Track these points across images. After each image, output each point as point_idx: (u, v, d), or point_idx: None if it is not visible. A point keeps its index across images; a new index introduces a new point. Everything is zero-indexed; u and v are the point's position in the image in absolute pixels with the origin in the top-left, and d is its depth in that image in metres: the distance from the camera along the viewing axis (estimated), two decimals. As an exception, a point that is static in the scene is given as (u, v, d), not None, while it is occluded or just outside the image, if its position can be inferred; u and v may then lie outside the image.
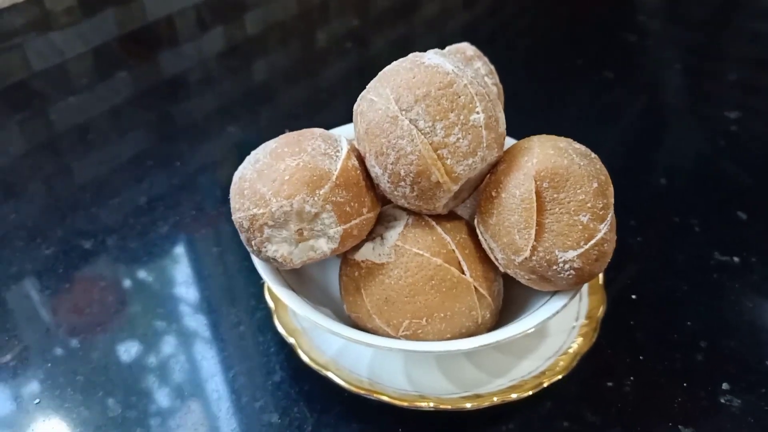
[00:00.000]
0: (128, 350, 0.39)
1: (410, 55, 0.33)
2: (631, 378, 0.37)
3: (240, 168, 0.34)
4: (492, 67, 0.39)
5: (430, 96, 0.31)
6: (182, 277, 0.45)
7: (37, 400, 0.36)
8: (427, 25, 0.86)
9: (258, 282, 0.43)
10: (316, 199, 0.31)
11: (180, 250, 0.47)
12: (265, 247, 0.32)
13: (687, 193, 0.52)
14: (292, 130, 0.63)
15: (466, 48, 0.38)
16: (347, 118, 0.63)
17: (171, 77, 0.72)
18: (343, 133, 0.41)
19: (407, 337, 0.33)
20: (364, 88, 0.34)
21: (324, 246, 0.32)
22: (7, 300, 0.42)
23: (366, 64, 0.76)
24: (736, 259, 0.45)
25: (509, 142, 0.39)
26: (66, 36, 0.76)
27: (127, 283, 0.44)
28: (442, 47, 0.39)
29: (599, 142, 0.58)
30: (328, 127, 0.59)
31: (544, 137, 0.34)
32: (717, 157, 0.57)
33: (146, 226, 0.49)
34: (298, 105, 0.67)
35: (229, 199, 0.34)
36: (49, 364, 0.38)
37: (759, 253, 0.45)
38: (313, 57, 0.78)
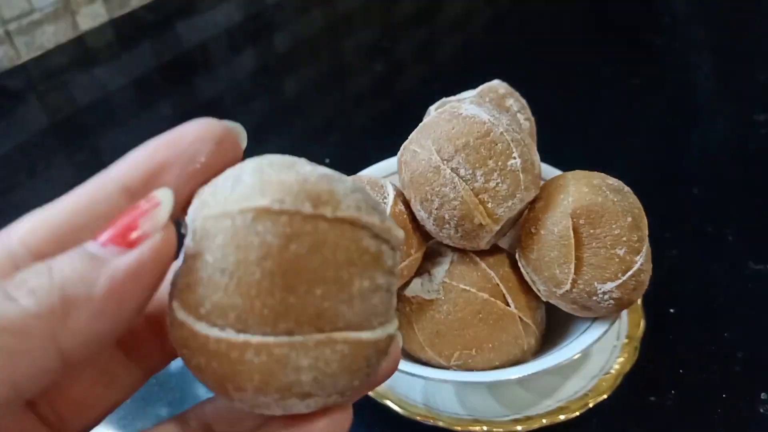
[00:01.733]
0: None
1: (448, 107, 0.35)
2: (673, 392, 0.39)
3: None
4: (524, 102, 0.41)
5: (469, 146, 0.33)
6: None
7: None
8: (450, 28, 0.87)
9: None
10: (368, 246, 0.34)
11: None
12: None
13: (719, 202, 0.53)
14: (324, 143, 0.66)
15: (498, 86, 0.40)
16: (376, 127, 0.66)
17: (208, 100, 0.75)
18: (379, 170, 0.44)
19: (458, 367, 0.36)
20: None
21: (377, 287, 0.35)
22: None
23: (392, 70, 0.78)
24: (770, 267, 0.46)
25: (545, 167, 0.41)
26: (107, 70, 0.79)
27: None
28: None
29: (631, 153, 0.60)
30: (360, 138, 0.62)
31: (577, 174, 0.36)
32: (747, 162, 0.57)
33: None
34: (329, 116, 0.70)
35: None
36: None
37: (793, 260, 0.47)
38: (341, 68, 0.80)
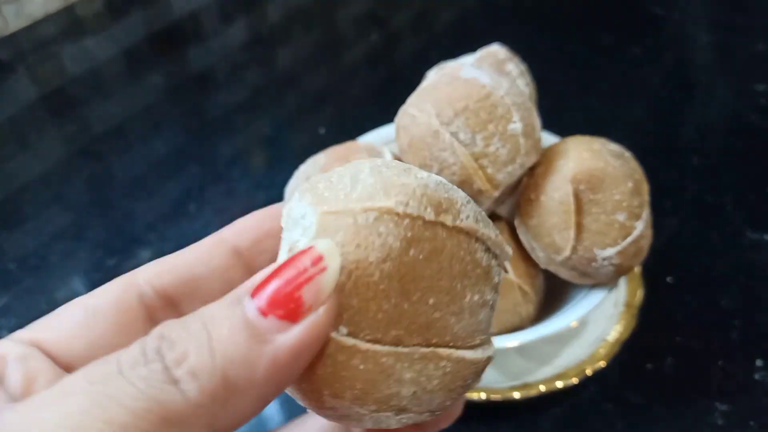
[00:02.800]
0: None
1: (447, 69, 0.35)
2: (670, 359, 0.39)
3: (291, 184, 0.36)
4: (524, 67, 0.40)
5: (468, 109, 0.32)
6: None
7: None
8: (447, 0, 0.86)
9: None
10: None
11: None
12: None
13: (718, 171, 0.53)
14: (319, 114, 0.65)
15: (498, 51, 0.40)
16: (372, 97, 0.65)
17: (199, 71, 0.73)
18: (377, 137, 0.43)
19: (457, 334, 0.35)
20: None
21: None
22: (58, 299, 0.45)
23: (388, 40, 0.77)
24: (767, 236, 0.46)
25: (544, 135, 0.40)
26: (97, 40, 0.78)
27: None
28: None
29: (631, 122, 0.59)
30: (355, 107, 0.61)
31: (578, 139, 0.35)
32: (746, 132, 0.57)
33: (181, 215, 0.52)
34: (324, 87, 0.69)
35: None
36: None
37: (791, 229, 0.47)
38: (336, 38, 0.79)
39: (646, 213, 0.33)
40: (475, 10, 0.82)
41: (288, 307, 0.13)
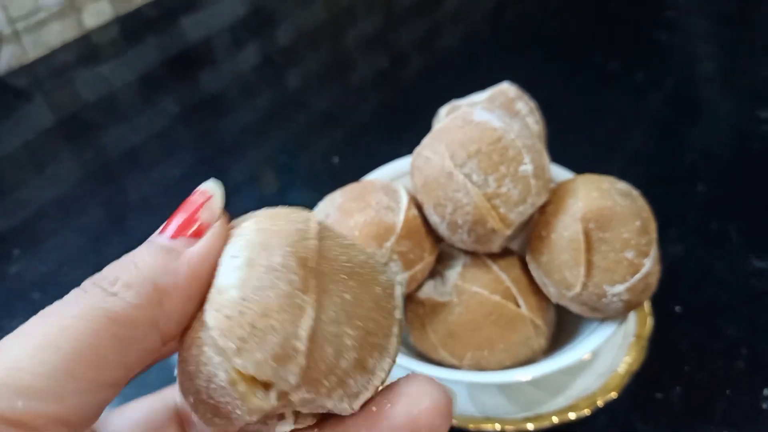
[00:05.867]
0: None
1: (460, 112, 0.36)
2: (678, 388, 0.40)
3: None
4: (533, 104, 0.41)
5: (481, 152, 0.34)
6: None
7: None
8: (453, 19, 0.88)
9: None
10: (383, 251, 0.34)
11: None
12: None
13: (723, 198, 0.54)
14: (329, 137, 0.66)
15: (508, 90, 0.41)
16: (381, 119, 0.67)
17: (212, 95, 0.75)
18: (390, 172, 0.44)
19: (471, 367, 0.37)
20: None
21: (392, 290, 0.36)
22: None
23: (396, 63, 0.79)
24: (773, 264, 0.47)
25: (553, 168, 0.42)
26: (113, 66, 0.80)
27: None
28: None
29: (635, 149, 0.60)
30: (365, 131, 0.62)
31: (587, 177, 0.37)
32: (751, 159, 0.58)
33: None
34: (332, 108, 0.71)
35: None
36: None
37: (796, 256, 0.48)
38: (345, 61, 0.81)
39: (653, 250, 0.35)
40: (481, 33, 0.84)
41: (191, 227, 0.17)
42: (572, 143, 0.59)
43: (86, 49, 0.81)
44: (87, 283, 0.16)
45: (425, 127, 0.39)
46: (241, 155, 0.63)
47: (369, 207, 0.36)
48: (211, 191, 0.18)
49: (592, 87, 0.70)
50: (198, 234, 0.17)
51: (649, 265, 0.34)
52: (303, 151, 0.65)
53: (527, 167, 0.34)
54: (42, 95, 0.74)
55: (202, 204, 0.17)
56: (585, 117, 0.65)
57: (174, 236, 0.17)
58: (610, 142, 0.61)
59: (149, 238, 0.17)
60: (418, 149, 0.37)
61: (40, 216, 0.58)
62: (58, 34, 0.79)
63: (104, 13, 0.84)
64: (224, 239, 0.17)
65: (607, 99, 0.68)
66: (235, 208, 0.56)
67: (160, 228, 0.17)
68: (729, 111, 0.65)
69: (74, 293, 0.16)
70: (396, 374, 0.17)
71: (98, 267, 0.17)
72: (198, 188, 0.18)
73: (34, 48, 0.77)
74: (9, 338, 0.15)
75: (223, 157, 0.63)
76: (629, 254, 0.34)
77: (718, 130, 0.63)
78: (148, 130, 0.69)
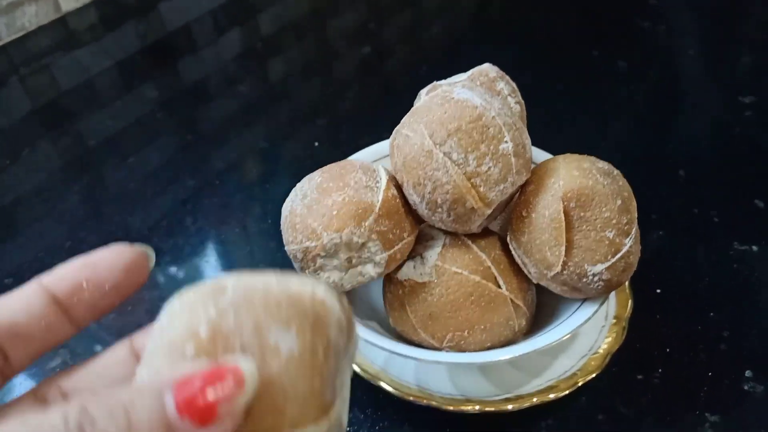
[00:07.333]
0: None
1: (440, 90, 0.35)
2: (660, 370, 0.40)
3: (288, 202, 0.37)
4: (514, 85, 0.41)
5: (461, 130, 0.33)
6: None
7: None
8: (437, 10, 0.87)
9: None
10: (362, 230, 0.34)
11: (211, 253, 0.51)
12: (317, 275, 0.35)
13: (705, 184, 0.54)
14: (312, 126, 0.65)
15: (489, 70, 0.40)
16: (362, 109, 0.66)
17: (192, 83, 0.74)
18: (370, 154, 0.43)
19: (451, 348, 0.36)
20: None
21: (371, 271, 0.35)
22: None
23: (379, 53, 0.78)
24: (755, 247, 0.47)
25: (535, 151, 0.41)
26: (91, 52, 0.78)
27: (160, 279, 0.48)
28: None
29: (618, 135, 0.60)
30: (348, 120, 0.61)
31: (568, 157, 0.36)
32: (732, 144, 0.58)
33: (176, 227, 0.52)
34: (316, 99, 0.70)
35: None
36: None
37: (777, 240, 0.48)
38: (328, 51, 0.80)
39: (634, 230, 0.34)
40: (465, 23, 0.83)
41: (203, 414, 0.14)
42: (554, 130, 0.59)
43: (63, 34, 0.79)
44: (72, 420, 0.14)
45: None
46: (223, 144, 0.62)
47: (347, 186, 0.35)
48: (246, 383, 0.15)
49: (574, 75, 0.69)
50: (206, 422, 0.14)
51: (630, 244, 0.34)
52: (286, 140, 0.64)
53: (508, 145, 0.33)
54: (17, 80, 0.72)
55: (231, 396, 0.15)
56: (567, 104, 0.65)
57: (182, 412, 0.14)
58: (592, 129, 0.61)
59: (156, 388, 0.15)
60: (397, 128, 0.36)
61: (15, 204, 0.57)
62: (33, 17, 0.77)
63: (82, -3, 0.82)
64: None
65: (590, 87, 0.67)
66: (216, 197, 0.55)
67: (173, 377, 0.15)
68: (711, 97, 0.65)
69: (55, 427, 0.14)
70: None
71: (75, 254, 0.16)
72: (235, 366, 0.15)
73: (7, 30, 0.75)
74: None
75: (205, 146, 0.62)
76: (610, 233, 0.33)
77: (700, 116, 0.63)
78: (127, 118, 0.68)
